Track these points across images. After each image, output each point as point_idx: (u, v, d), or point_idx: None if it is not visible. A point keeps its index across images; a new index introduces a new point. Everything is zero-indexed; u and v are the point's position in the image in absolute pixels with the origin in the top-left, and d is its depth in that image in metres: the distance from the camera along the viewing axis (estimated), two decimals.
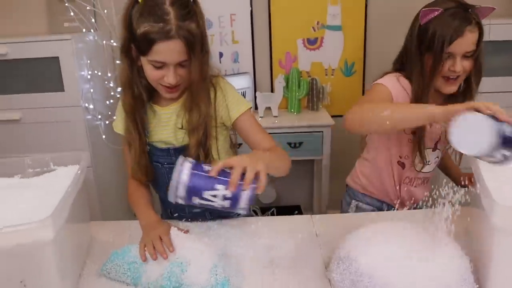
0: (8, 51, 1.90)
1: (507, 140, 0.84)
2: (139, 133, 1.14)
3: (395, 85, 1.22)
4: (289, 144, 2.15)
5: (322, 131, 2.13)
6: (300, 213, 2.48)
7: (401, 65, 1.27)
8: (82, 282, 0.97)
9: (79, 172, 1.01)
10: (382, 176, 1.36)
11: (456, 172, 1.44)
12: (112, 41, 2.05)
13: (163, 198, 1.31)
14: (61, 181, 0.99)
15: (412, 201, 1.36)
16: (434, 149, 1.30)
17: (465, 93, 1.23)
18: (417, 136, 1.25)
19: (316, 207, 2.45)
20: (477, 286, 0.87)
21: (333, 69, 2.36)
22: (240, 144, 1.30)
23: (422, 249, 0.89)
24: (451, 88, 1.20)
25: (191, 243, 0.96)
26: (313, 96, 2.28)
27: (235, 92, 1.19)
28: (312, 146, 2.16)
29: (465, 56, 1.16)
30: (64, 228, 0.86)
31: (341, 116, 2.30)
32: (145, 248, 0.96)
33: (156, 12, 0.99)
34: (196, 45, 1.03)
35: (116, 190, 2.24)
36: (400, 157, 1.32)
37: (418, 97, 1.20)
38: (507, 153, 0.85)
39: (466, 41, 1.13)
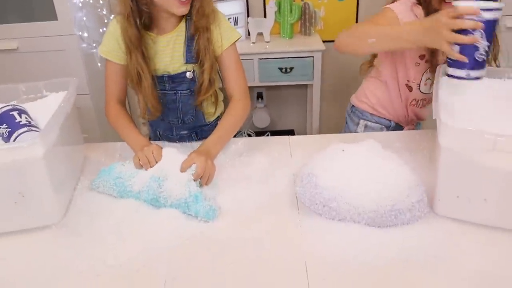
0: None
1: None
2: (148, 64, 1.19)
3: (407, 13, 1.21)
4: (280, 69, 2.19)
5: (313, 56, 2.16)
6: None
7: None
8: (76, 194, 1.09)
9: (66, 97, 1.10)
10: (392, 97, 1.41)
11: None
12: None
13: (152, 121, 1.40)
14: (52, 105, 1.08)
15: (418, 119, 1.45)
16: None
17: None
18: (430, 61, 1.27)
19: (309, 131, 2.54)
20: (426, 196, 0.97)
21: None
22: None
23: (375, 163, 0.98)
24: None
25: (170, 161, 1.06)
26: (305, 21, 2.28)
27: (226, 20, 1.24)
28: (303, 71, 2.20)
29: None
30: (54, 146, 0.97)
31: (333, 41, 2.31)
32: (140, 161, 1.07)
33: None
34: None
35: None
36: (408, 81, 1.36)
37: None
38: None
39: None
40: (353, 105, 1.52)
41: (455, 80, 1.12)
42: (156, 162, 1.06)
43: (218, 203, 1.01)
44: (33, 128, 1.02)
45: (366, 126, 1.48)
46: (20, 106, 1.09)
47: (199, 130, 1.35)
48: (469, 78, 0.96)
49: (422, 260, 0.86)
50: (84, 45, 2.06)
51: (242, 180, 1.11)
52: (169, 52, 1.22)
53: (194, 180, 1.01)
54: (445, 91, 1.05)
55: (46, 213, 0.97)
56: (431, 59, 1.27)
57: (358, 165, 0.99)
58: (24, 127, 1.01)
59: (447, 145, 0.89)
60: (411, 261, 0.86)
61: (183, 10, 1.15)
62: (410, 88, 1.37)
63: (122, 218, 0.99)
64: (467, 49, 0.93)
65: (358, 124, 1.49)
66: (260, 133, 2.54)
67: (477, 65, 0.95)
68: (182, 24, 1.20)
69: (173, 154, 1.09)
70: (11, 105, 1.08)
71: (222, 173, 1.13)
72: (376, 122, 1.47)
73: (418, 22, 1.04)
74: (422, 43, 1.05)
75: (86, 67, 2.08)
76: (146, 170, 1.06)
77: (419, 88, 1.36)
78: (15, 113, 1.04)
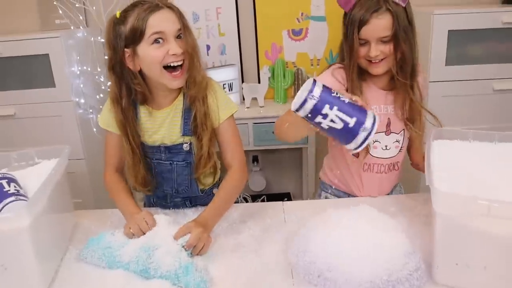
0: (1, 50, 1.97)
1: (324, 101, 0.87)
2: (132, 146, 1.20)
3: (328, 80, 1.24)
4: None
5: None
6: (290, 200, 2.54)
7: (341, 52, 1.28)
8: (63, 265, 1.05)
9: (57, 165, 1.09)
10: (340, 168, 1.38)
11: (415, 156, 1.43)
12: (99, 37, 2.11)
13: None
14: (43, 173, 1.07)
15: (382, 190, 1.37)
16: (388, 133, 1.29)
17: (411, 77, 1.23)
18: None
19: (305, 194, 2.52)
20: (423, 264, 0.93)
21: (319, 59, 2.40)
22: None
23: (370, 231, 0.96)
24: (376, 70, 1.22)
25: (161, 230, 1.03)
26: (298, 86, 2.33)
27: (223, 92, 1.26)
28: None
29: (382, 41, 1.17)
30: (40, 216, 0.94)
31: None
32: (131, 229, 1.05)
33: (139, 2, 1.11)
34: (182, 14, 1.14)
35: None
36: None
37: (350, 83, 1.23)
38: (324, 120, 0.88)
39: (375, 28, 1.16)
40: (320, 178, 1.51)
41: (447, 145, 1.13)
42: (150, 229, 1.04)
43: (210, 274, 0.98)
44: (21, 197, 1.00)
45: (326, 198, 1.46)
46: (9, 174, 1.08)
47: (193, 198, 1.33)
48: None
49: None
50: (81, 111, 2.09)
51: (234, 249, 1.08)
52: (167, 125, 1.22)
53: (186, 250, 0.98)
54: (437, 156, 1.05)
55: (29, 286, 0.93)
56: None
57: (353, 232, 0.96)
58: (11, 196, 0.99)
59: (442, 211, 0.87)
60: None
61: (177, 83, 1.15)
62: (356, 154, 1.31)
63: None
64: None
65: (320, 195, 1.48)
66: (256, 196, 2.52)
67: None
68: (180, 98, 1.21)
69: (164, 223, 1.06)
70: (1, 173, 1.07)
71: (214, 242, 1.10)
72: (335, 195, 1.44)
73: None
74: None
75: (82, 132, 2.09)
76: (138, 237, 1.03)
77: (369, 152, 1.31)
78: (3, 182, 1.02)
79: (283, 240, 1.10)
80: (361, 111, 0.90)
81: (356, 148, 0.90)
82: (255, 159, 2.56)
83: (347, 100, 0.89)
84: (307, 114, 0.88)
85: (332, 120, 0.87)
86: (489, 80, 2.07)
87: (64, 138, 2.05)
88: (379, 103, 1.28)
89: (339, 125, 0.87)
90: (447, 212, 0.87)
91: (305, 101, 0.86)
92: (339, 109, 0.87)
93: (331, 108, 0.86)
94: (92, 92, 2.16)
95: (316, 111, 0.87)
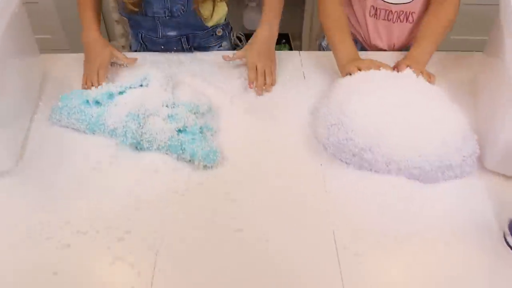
0: None
1: None
2: None
3: None
4: None
5: None
6: (288, 42, 2.30)
7: None
8: (33, 128, 0.85)
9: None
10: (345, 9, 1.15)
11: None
12: None
13: (133, 19, 1.11)
14: None
15: (389, 42, 1.17)
16: None
17: None
18: None
19: (306, 36, 2.26)
20: (478, 149, 0.78)
21: None
22: None
23: (423, 102, 0.78)
24: None
25: (152, 90, 0.82)
26: None
27: None
28: None
29: None
30: None
31: None
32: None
33: None
34: None
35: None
36: None
37: None
38: None
39: None
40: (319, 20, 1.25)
41: None
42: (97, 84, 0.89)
43: (219, 144, 0.81)
44: None
45: (328, 44, 1.20)
46: None
47: (191, 34, 1.07)
48: None
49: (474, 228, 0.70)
50: None
51: (246, 108, 0.90)
52: None
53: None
54: None
55: None
56: None
57: (398, 105, 0.77)
58: None
59: None
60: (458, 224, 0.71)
61: None
62: None
63: (96, 164, 0.77)
64: None
65: (324, 37, 1.26)
66: (250, 35, 2.24)
67: None
68: None
69: (155, 83, 0.84)
70: None
71: (220, 99, 0.91)
72: None
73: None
74: None
75: None
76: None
77: None
78: None
79: (305, 100, 0.92)
80: None
81: None
82: None
83: None
84: None
85: None
86: None
87: None
88: None
89: None
90: None
91: None
92: None
93: None
94: None
95: None
